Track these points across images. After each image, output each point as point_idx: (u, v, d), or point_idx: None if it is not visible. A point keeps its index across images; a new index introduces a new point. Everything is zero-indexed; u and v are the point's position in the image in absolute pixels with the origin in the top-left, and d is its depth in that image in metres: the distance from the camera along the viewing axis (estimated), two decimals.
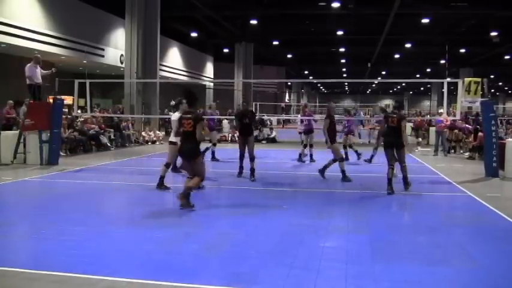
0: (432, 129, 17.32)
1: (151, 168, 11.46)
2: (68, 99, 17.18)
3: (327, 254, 4.61)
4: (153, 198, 7.70)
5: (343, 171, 9.11)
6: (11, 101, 14.12)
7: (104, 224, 5.80)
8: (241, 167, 9.49)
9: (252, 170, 9.12)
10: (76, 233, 5.25)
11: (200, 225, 5.75)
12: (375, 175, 9.65)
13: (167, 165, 8.16)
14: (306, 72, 53.56)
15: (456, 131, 15.45)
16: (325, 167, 9.35)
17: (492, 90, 47.91)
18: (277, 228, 5.61)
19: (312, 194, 7.99)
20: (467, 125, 15.96)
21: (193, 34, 29.01)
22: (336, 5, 21.26)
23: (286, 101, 51.65)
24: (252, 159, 9.19)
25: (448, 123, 14.85)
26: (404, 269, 4.25)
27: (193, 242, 4.97)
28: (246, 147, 9.29)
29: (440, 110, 15.19)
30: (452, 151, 15.30)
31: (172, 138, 8.14)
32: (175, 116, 8.22)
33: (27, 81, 11.44)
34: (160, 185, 8.00)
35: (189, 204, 6.38)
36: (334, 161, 9.22)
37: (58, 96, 12.15)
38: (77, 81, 12.31)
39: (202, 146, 8.33)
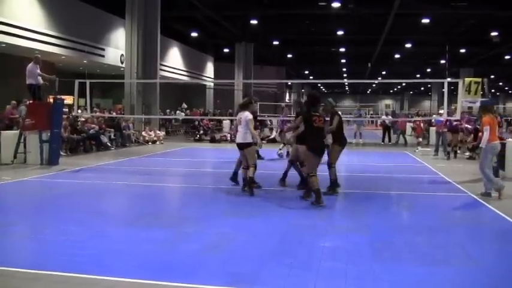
0: (432, 129, 17.27)
1: (151, 168, 11.49)
2: (68, 99, 17.20)
3: (327, 254, 4.61)
4: (153, 198, 7.71)
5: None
6: (14, 101, 14.13)
7: (104, 224, 5.80)
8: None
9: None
10: (76, 233, 5.25)
11: (200, 225, 5.75)
12: (374, 175, 9.65)
13: (254, 167, 7.75)
14: (306, 72, 53.54)
15: (450, 133, 15.12)
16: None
17: (492, 90, 47.90)
18: (277, 229, 5.61)
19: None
20: (467, 125, 15.89)
21: (194, 34, 29.00)
22: (336, 5, 21.24)
23: (287, 101, 51.64)
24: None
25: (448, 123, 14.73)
26: (404, 269, 4.25)
27: (193, 242, 4.97)
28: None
29: (441, 111, 15.08)
30: (453, 154, 14.92)
31: (249, 139, 7.67)
32: (248, 116, 7.69)
33: (28, 81, 11.45)
34: (250, 187, 7.68)
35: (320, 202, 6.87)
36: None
37: (58, 96, 12.16)
38: (77, 81, 12.30)
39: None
